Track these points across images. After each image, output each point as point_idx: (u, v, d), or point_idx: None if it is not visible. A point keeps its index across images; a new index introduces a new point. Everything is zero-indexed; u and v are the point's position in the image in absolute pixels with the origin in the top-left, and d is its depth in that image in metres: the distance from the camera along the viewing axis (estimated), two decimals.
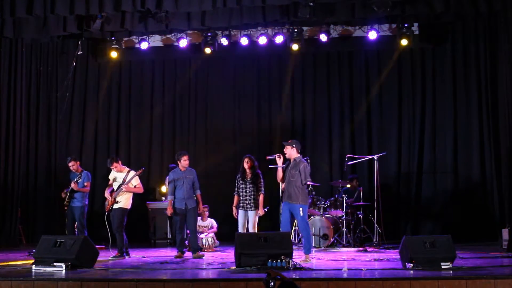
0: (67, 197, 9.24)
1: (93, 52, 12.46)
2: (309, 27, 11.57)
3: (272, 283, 3.89)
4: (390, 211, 10.68)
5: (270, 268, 6.75)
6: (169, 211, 8.75)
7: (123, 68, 12.65)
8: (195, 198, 8.79)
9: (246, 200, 8.74)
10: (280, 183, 8.43)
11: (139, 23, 10.05)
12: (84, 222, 9.26)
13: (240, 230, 8.66)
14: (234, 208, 8.85)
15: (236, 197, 8.86)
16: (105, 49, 12.08)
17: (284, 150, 8.17)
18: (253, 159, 8.83)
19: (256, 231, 8.45)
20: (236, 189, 8.89)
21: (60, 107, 12.07)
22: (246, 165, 8.81)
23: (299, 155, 8.17)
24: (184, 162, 8.72)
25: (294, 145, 8.13)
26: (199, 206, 8.82)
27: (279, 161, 8.19)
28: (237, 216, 8.81)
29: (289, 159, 8.18)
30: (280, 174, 8.19)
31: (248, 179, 8.75)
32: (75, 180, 9.17)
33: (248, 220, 8.72)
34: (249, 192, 8.72)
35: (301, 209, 7.93)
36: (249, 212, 8.70)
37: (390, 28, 11.47)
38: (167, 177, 8.87)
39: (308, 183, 8.37)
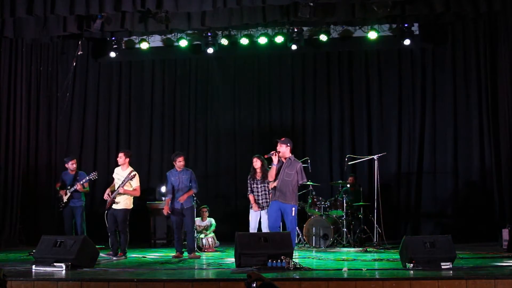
0: (66, 197, 9.24)
1: (93, 52, 12.45)
2: (309, 27, 11.57)
3: (254, 285, 3.89)
4: (390, 211, 10.67)
5: (270, 268, 6.76)
6: (165, 210, 8.69)
7: (123, 68, 12.65)
8: (193, 198, 8.78)
9: (259, 199, 8.74)
10: (271, 181, 8.14)
11: (139, 23, 10.04)
12: (84, 221, 9.30)
13: (252, 230, 8.61)
14: (254, 204, 8.75)
15: (251, 196, 8.82)
16: (105, 49, 12.07)
17: (278, 148, 8.04)
18: (262, 158, 8.79)
19: (269, 231, 8.31)
20: (249, 188, 8.87)
21: (60, 107, 12.07)
22: (255, 165, 8.80)
23: (291, 154, 8.15)
24: (179, 163, 8.67)
25: (288, 144, 8.06)
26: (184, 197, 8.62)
27: (275, 159, 8.07)
28: (253, 214, 8.75)
29: (282, 158, 8.04)
30: (273, 172, 8.04)
31: (259, 178, 8.75)
32: (82, 181, 9.14)
33: (261, 220, 8.70)
34: (262, 191, 8.73)
35: (293, 209, 7.92)
36: (262, 211, 8.69)
37: (390, 28, 11.46)
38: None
39: (303, 182, 8.27)
